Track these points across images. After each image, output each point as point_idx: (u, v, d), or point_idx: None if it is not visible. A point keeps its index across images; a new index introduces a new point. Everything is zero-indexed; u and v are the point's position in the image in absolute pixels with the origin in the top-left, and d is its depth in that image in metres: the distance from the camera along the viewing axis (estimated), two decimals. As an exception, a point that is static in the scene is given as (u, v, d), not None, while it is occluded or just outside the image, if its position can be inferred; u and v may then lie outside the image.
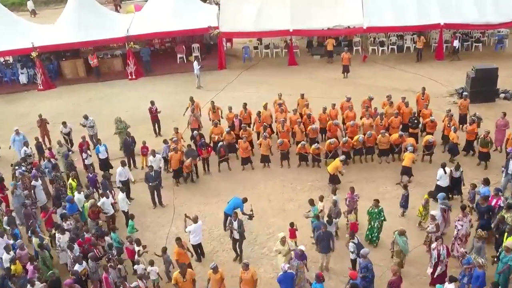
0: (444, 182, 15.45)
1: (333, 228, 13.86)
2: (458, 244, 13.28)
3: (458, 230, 13.32)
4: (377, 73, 25.44)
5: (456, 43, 26.02)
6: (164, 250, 13.34)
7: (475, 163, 17.50)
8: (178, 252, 13.03)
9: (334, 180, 16.66)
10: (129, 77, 26.62)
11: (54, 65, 27.67)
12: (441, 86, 23.39)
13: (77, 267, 12.77)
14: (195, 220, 13.82)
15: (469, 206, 14.79)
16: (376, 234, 14.15)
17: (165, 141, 18.07)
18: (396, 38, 28.15)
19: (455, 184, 15.64)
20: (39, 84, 26.34)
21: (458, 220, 13.35)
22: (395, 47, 27.93)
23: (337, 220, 14.25)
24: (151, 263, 13.21)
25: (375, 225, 14.00)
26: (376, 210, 13.86)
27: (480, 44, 27.52)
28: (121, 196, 15.45)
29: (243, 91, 24.00)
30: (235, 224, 13.63)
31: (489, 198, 14.04)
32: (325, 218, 13.94)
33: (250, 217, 14.75)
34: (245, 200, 14.83)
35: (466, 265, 11.99)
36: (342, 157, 17.02)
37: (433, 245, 12.56)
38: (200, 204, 16.72)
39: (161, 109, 20.80)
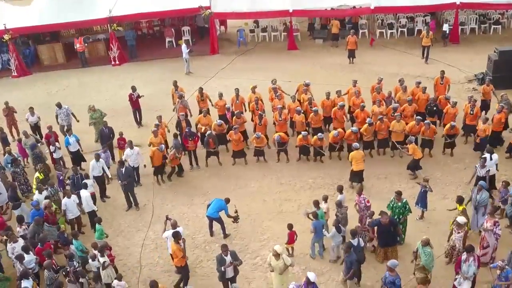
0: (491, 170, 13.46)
1: (338, 238, 11.65)
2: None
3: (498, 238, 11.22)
4: (386, 58, 23.28)
5: (445, 27, 23.83)
6: (120, 277, 11.16)
7: (503, 156, 15.28)
8: (177, 249, 11.22)
9: (358, 176, 14.33)
10: (112, 62, 24.48)
11: (31, 50, 25.55)
12: (458, 72, 21.15)
13: (25, 283, 10.50)
14: (174, 225, 11.83)
15: (499, 207, 12.83)
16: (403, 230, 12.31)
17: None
18: (406, 20, 25.75)
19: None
20: (12, 71, 24.17)
21: (497, 225, 11.23)
22: (405, 29, 25.61)
23: (345, 228, 11.96)
24: (119, 278, 11.21)
25: (400, 221, 12.13)
26: (399, 204, 12.07)
27: (499, 26, 25.06)
28: (84, 193, 13.15)
29: (237, 78, 21.90)
30: (228, 259, 10.87)
31: None
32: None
33: (235, 219, 13.00)
34: (227, 200, 13.08)
35: (504, 280, 10.10)
36: (357, 145, 14.63)
37: (464, 257, 10.55)
38: (183, 205, 14.66)
39: (145, 98, 18.89)
